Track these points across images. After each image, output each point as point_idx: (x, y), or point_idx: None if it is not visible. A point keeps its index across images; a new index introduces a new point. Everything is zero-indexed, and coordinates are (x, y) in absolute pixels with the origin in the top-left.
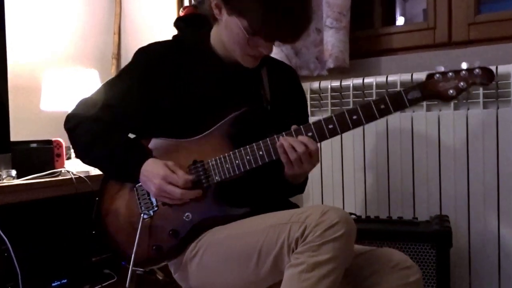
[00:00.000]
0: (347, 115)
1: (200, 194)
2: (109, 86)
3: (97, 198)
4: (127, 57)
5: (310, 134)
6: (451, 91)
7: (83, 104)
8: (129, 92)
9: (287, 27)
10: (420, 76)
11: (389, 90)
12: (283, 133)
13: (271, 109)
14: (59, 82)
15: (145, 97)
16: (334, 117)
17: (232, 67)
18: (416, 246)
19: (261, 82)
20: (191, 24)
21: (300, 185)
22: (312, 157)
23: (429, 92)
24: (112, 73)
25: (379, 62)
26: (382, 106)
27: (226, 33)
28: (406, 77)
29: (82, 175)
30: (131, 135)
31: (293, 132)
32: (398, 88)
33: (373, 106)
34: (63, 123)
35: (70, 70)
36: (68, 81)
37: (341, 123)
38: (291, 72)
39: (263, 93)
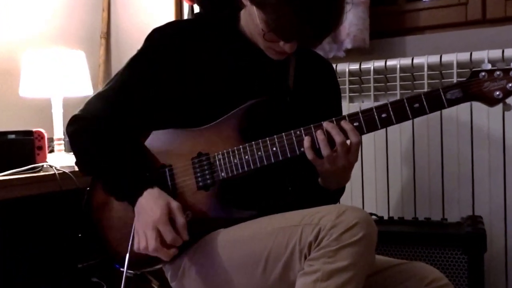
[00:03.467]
0: (375, 113)
1: (170, 256)
2: (116, 76)
3: (88, 188)
4: (117, 37)
5: None
6: (497, 93)
7: (90, 103)
8: (141, 78)
9: (306, 29)
10: (450, 58)
11: (415, 74)
12: (301, 128)
13: (291, 102)
14: (41, 65)
15: (157, 82)
16: (360, 114)
17: (260, 52)
18: (445, 251)
19: (286, 74)
20: (218, 0)
21: (334, 192)
22: (350, 153)
23: (472, 93)
24: (100, 54)
25: (403, 42)
26: (417, 105)
27: (250, 21)
28: (434, 59)
29: (66, 171)
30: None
31: (313, 129)
32: (425, 72)
33: (406, 104)
34: (44, 111)
35: (52, 51)
36: (51, 63)
37: (368, 122)
38: (326, 67)
39: (286, 83)
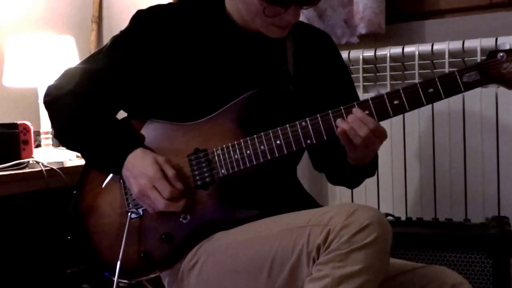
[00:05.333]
0: (387, 100)
1: (182, 208)
2: (99, 55)
3: (75, 191)
4: (110, 21)
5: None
6: None
7: (68, 74)
8: (123, 63)
9: None
10: (473, 43)
11: (435, 61)
12: (307, 118)
13: (294, 88)
14: (26, 51)
15: (142, 70)
16: (370, 101)
17: (251, 38)
18: (468, 255)
19: (285, 58)
20: None
21: (370, 165)
22: (379, 137)
23: (490, 75)
24: (91, 40)
25: (422, 26)
26: (431, 90)
27: (242, 4)
28: (456, 45)
29: (54, 167)
30: (123, 113)
31: (319, 118)
32: (446, 59)
33: (420, 89)
34: (30, 102)
35: (39, 37)
36: (37, 50)
37: (379, 109)
38: (324, 39)
39: (285, 68)
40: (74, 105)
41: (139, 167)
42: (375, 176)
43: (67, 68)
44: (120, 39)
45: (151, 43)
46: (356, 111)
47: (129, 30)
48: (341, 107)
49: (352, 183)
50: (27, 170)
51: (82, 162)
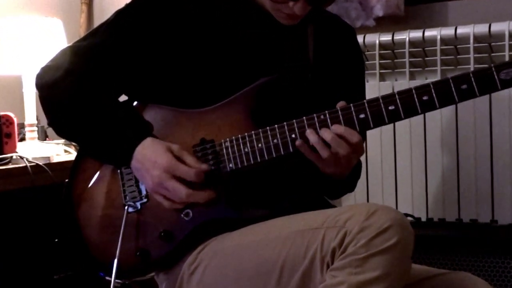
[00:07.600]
0: (415, 95)
1: (213, 197)
2: (100, 29)
3: (67, 180)
4: (101, 2)
5: (362, 116)
6: None
7: (64, 52)
8: (128, 38)
9: None
10: (501, 27)
11: (458, 47)
12: (326, 111)
13: (312, 78)
14: (9, 36)
15: (148, 46)
16: (397, 96)
17: (271, 20)
18: (495, 259)
19: (305, 43)
20: None
21: (349, 180)
22: (357, 152)
23: None
24: (81, 23)
25: (445, 8)
26: (464, 87)
27: None
28: (481, 29)
29: (40, 163)
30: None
31: (340, 112)
32: (471, 44)
33: (452, 85)
34: (14, 91)
35: (23, 20)
36: (22, 34)
37: (405, 105)
38: (347, 32)
39: (305, 57)
40: (72, 88)
41: (151, 157)
42: (393, 173)
43: (65, 47)
44: (126, 12)
45: (161, 18)
46: (336, 127)
47: (137, 2)
48: (364, 101)
49: (329, 195)
50: (10, 166)
51: (70, 157)
